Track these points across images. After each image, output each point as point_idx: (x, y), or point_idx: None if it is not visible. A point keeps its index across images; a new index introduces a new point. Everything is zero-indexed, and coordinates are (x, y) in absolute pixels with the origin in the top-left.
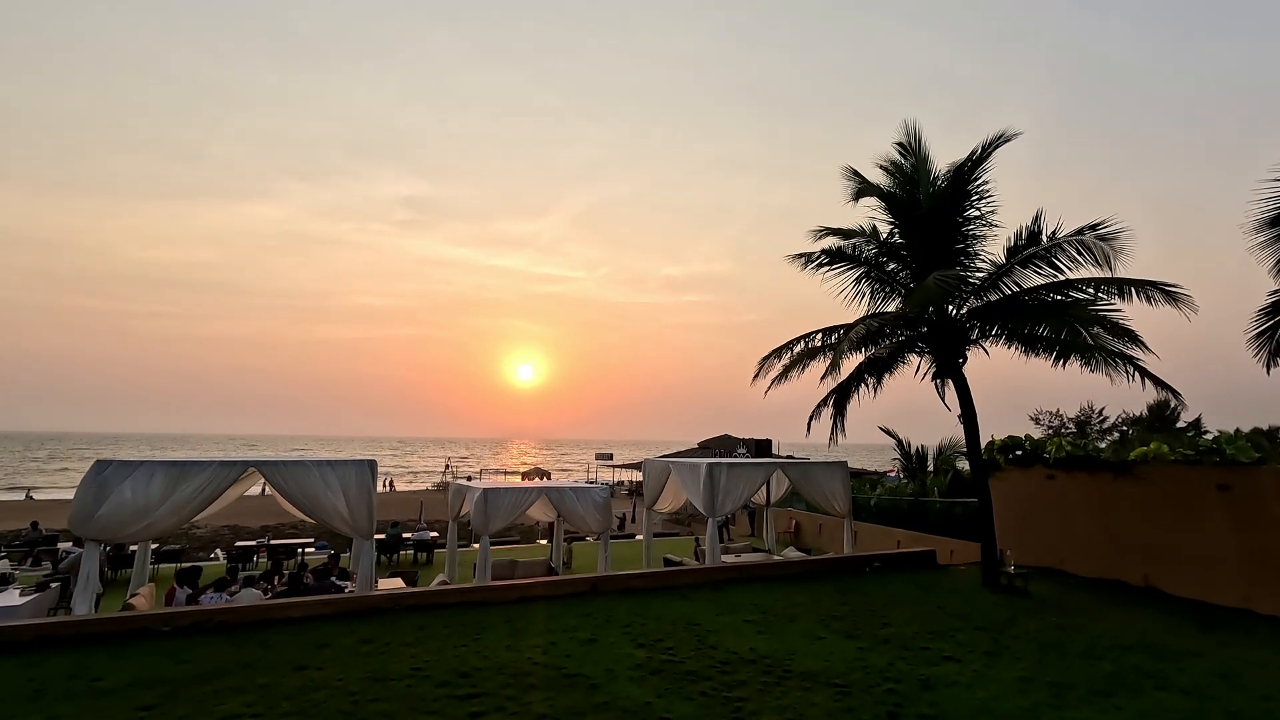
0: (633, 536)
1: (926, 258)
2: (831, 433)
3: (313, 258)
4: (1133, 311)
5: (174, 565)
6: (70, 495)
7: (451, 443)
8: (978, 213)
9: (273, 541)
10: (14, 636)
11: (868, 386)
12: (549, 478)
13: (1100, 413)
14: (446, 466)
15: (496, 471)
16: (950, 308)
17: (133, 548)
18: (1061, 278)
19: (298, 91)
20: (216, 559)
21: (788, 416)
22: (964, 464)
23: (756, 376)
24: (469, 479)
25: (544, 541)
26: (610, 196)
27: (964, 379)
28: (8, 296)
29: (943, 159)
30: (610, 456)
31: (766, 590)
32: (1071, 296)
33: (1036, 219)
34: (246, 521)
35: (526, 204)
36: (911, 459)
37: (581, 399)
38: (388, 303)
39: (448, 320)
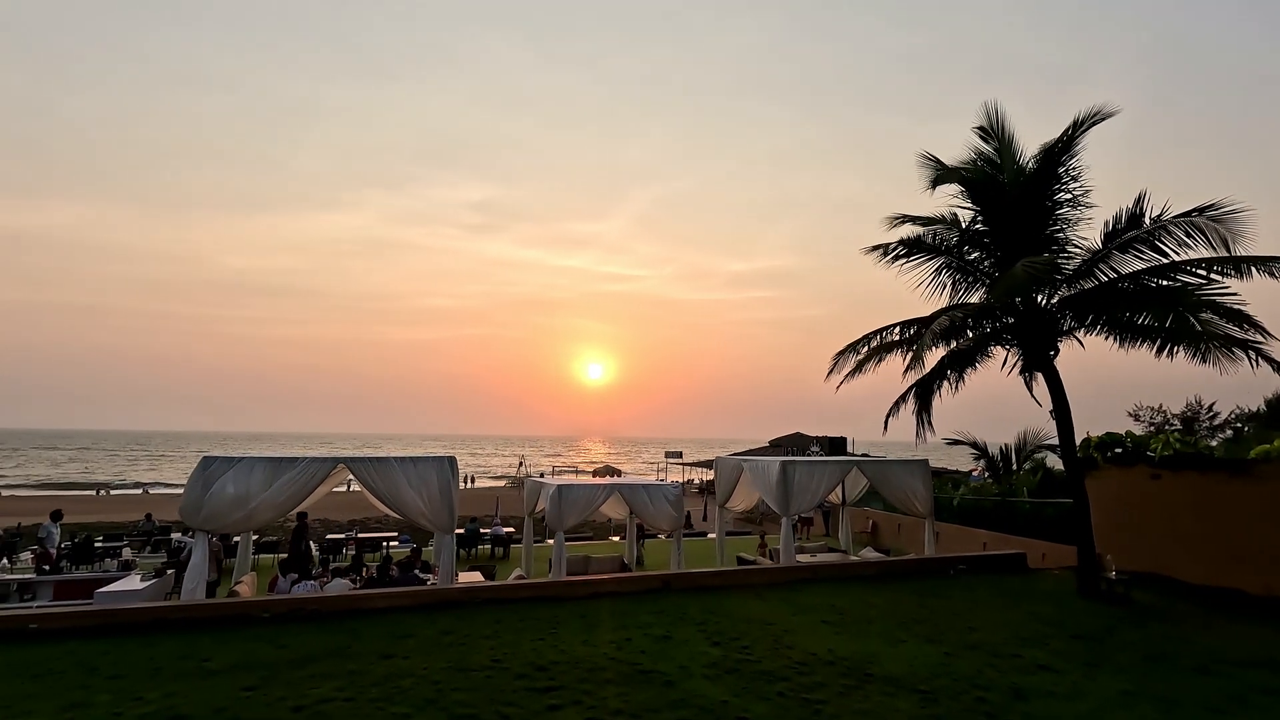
0: (704, 535)
1: (1012, 245)
2: (917, 430)
3: (387, 262)
4: (1254, 294)
5: (272, 555)
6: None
7: (521, 440)
8: (1070, 196)
9: (360, 535)
10: (135, 618)
11: (949, 381)
12: (619, 475)
13: (1210, 408)
14: (520, 464)
15: (566, 469)
16: (1039, 297)
17: (236, 538)
18: (1166, 261)
19: (371, 104)
20: (309, 551)
21: (861, 414)
22: (1055, 462)
23: (830, 373)
24: (541, 476)
25: (616, 539)
26: (673, 194)
27: (1055, 372)
28: (111, 303)
29: (1022, 144)
30: (680, 454)
31: (842, 591)
32: (1179, 281)
33: (1139, 200)
34: (335, 516)
35: (591, 204)
36: (995, 457)
37: (647, 397)
38: (458, 304)
39: (516, 320)
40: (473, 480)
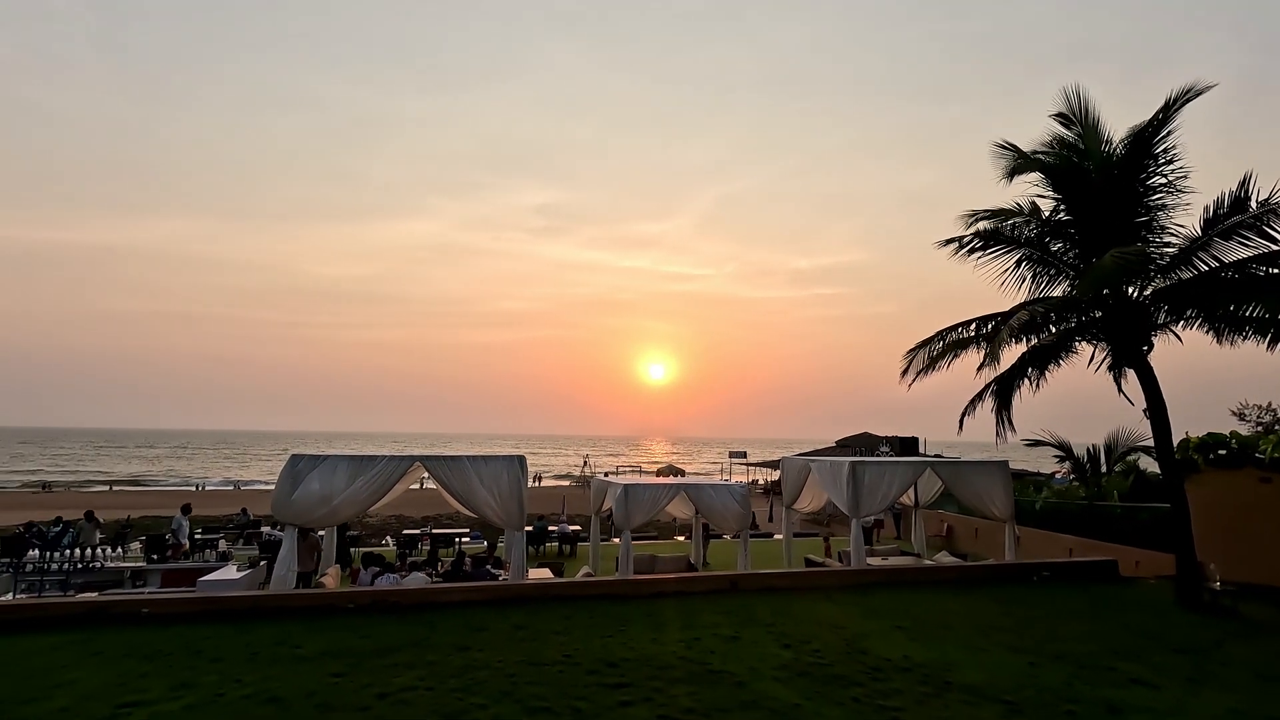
0: (769, 536)
1: (1099, 234)
2: (997, 429)
3: (459, 267)
4: None
5: (353, 549)
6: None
7: (584, 440)
8: (1164, 180)
9: (434, 531)
10: (233, 606)
11: (1030, 379)
12: (682, 475)
13: None
14: (585, 463)
15: (629, 469)
16: (1130, 289)
17: (321, 532)
18: (1277, 248)
19: (441, 115)
20: (387, 545)
21: (932, 413)
22: (1149, 464)
23: (905, 372)
24: (605, 475)
25: (681, 538)
26: (736, 191)
27: (1149, 368)
28: (204, 311)
29: (1108, 129)
30: (744, 454)
31: (917, 596)
32: None
33: (1244, 183)
34: (410, 512)
35: (655, 204)
36: (1082, 459)
37: (709, 396)
38: (526, 306)
39: (582, 321)
40: (539, 479)
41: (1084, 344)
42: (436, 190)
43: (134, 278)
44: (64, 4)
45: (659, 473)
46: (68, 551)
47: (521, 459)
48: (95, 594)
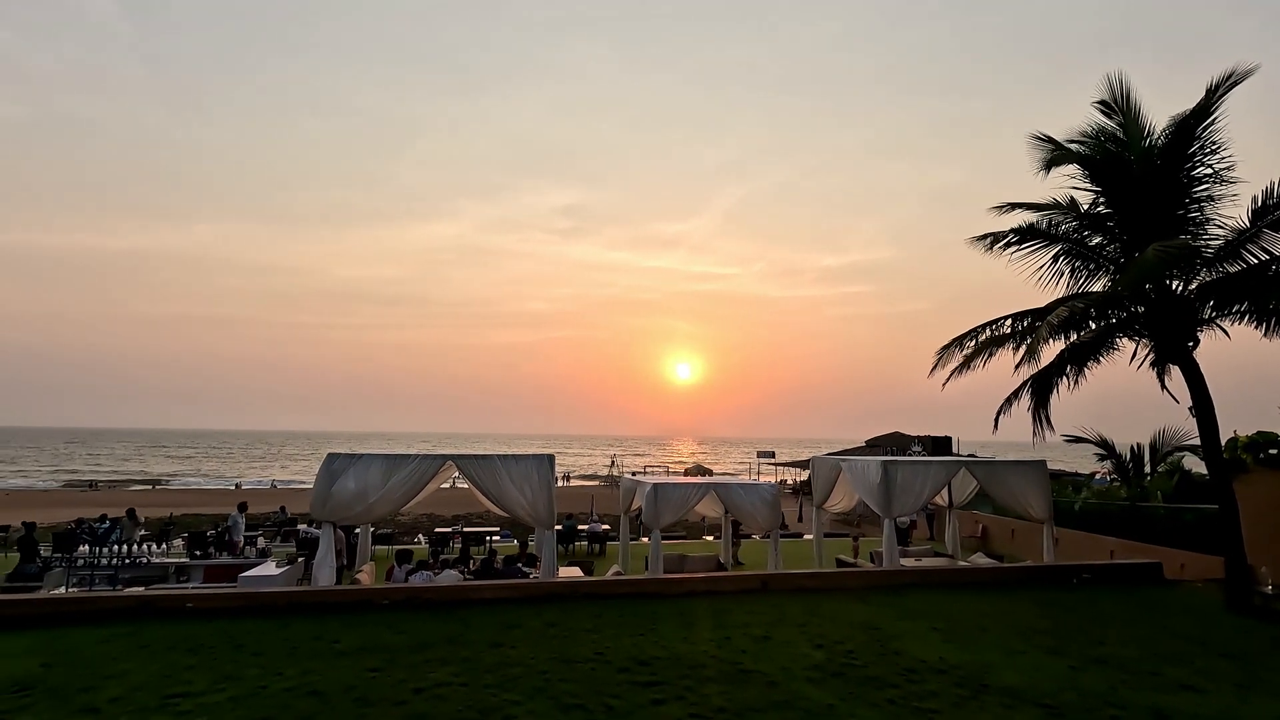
0: (799, 536)
1: (1141, 227)
2: (1034, 428)
3: (483, 268)
4: None
5: (386, 546)
6: (300, 484)
7: (610, 439)
8: (1209, 170)
9: (465, 529)
10: (273, 601)
11: (1068, 377)
12: (709, 475)
13: None
14: (612, 462)
15: (656, 469)
16: (1174, 283)
17: (357, 530)
18: None
19: (464, 117)
20: (420, 543)
21: (966, 412)
22: (1195, 463)
23: (935, 369)
24: (633, 475)
25: (710, 538)
26: (762, 189)
27: (1195, 365)
28: (236, 314)
29: (1150, 118)
30: (772, 454)
31: (952, 597)
32: None
33: None
34: (441, 510)
35: (678, 204)
36: (1124, 458)
37: (736, 396)
38: (550, 307)
39: (606, 321)
40: (568, 478)
41: (1126, 340)
42: (462, 193)
43: (169, 282)
44: (103, 16)
45: (687, 472)
46: (115, 548)
47: (550, 458)
48: (142, 589)
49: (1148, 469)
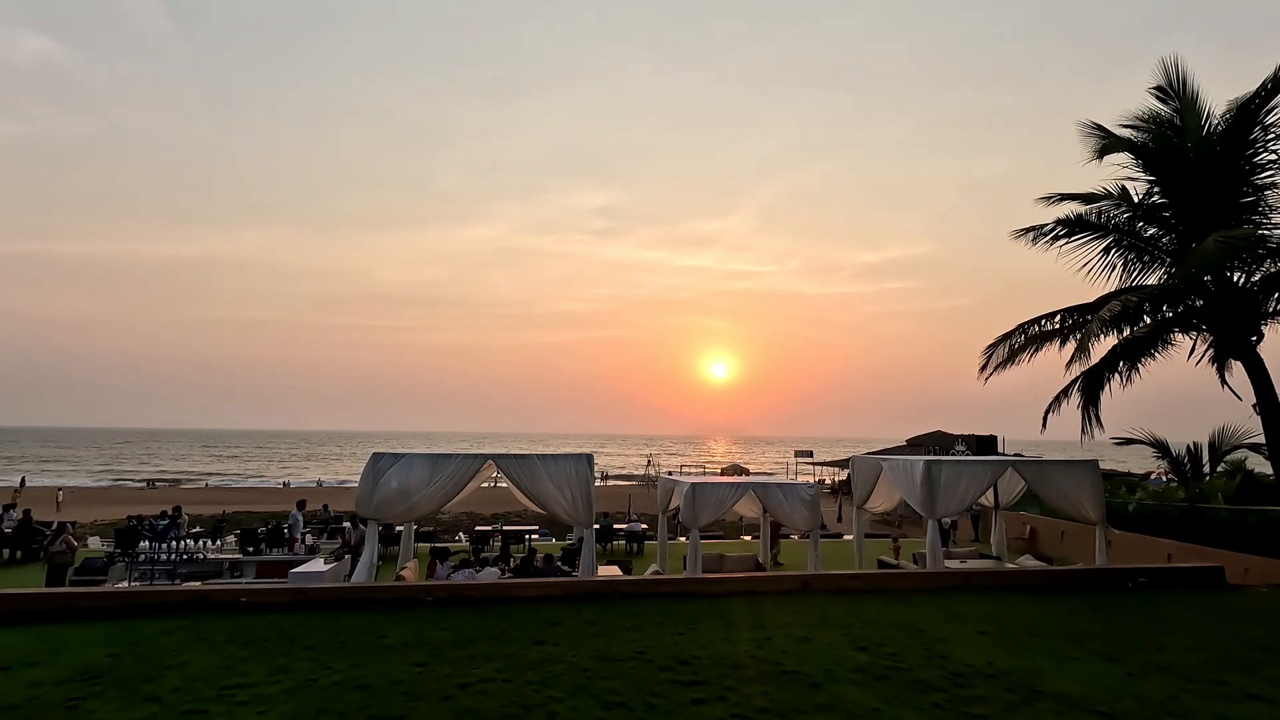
0: (838, 536)
1: (1199, 217)
2: (1083, 426)
3: (521, 270)
4: None
5: (427, 544)
6: (345, 483)
7: (645, 439)
8: (1273, 156)
9: (505, 528)
10: (322, 597)
11: (1120, 373)
12: (746, 474)
13: None
14: (649, 462)
15: (693, 468)
16: (1236, 274)
17: (399, 528)
18: None
19: (502, 121)
20: (460, 541)
21: (1010, 410)
22: (1259, 463)
23: (983, 368)
24: (669, 474)
25: (747, 538)
26: (798, 186)
27: (1259, 360)
28: (282, 318)
29: (1209, 103)
30: (810, 454)
31: (999, 601)
32: None
33: None
34: (480, 509)
35: (714, 202)
36: (1181, 457)
37: (772, 394)
38: (587, 308)
39: (642, 321)
40: (605, 477)
41: (1182, 335)
42: (499, 195)
43: (217, 288)
44: (160, 35)
45: (723, 471)
46: (173, 544)
47: (589, 457)
48: (199, 583)
49: (1206, 469)
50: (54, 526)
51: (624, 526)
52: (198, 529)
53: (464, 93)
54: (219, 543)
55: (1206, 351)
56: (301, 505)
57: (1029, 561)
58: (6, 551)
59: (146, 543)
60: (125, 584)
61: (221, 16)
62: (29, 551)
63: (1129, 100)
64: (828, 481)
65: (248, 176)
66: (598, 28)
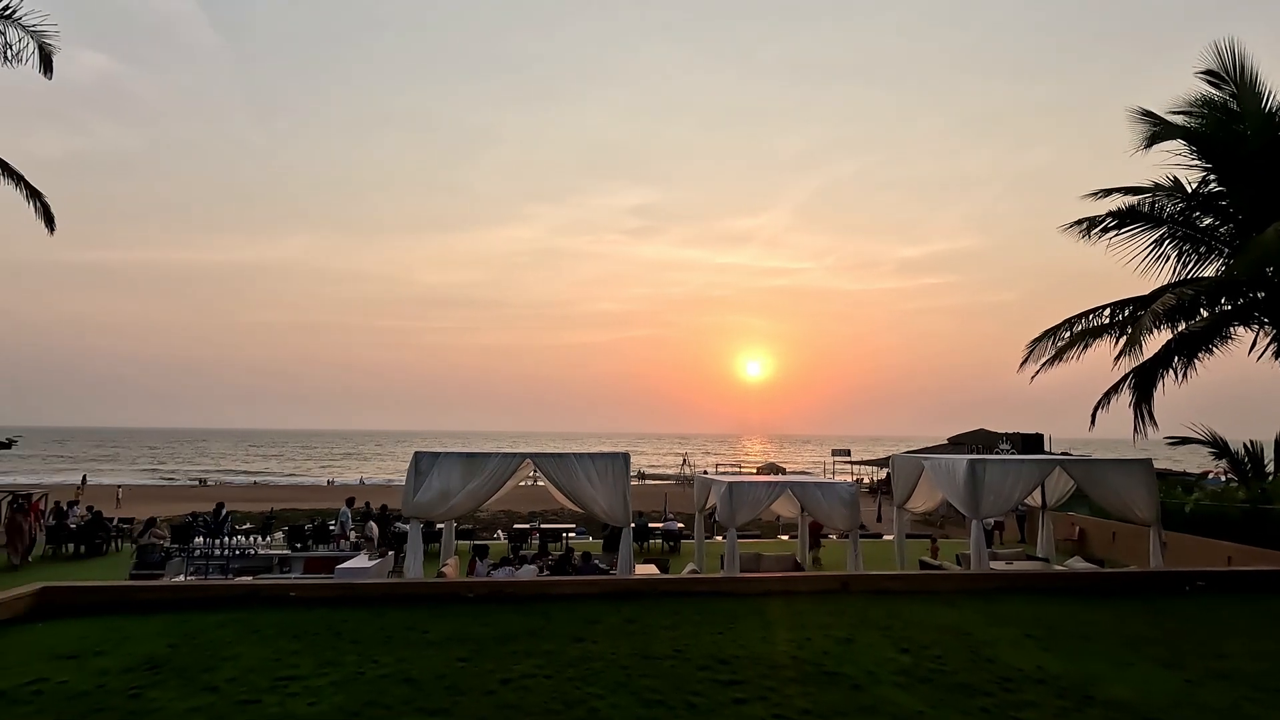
0: (878, 536)
1: (1259, 206)
2: (1135, 424)
3: (557, 270)
4: None
5: (467, 542)
6: (390, 481)
7: (680, 438)
8: None
9: (543, 525)
10: (368, 592)
11: (1174, 369)
12: (783, 473)
13: None
14: (684, 461)
15: (729, 467)
16: None
17: (440, 525)
18: None
19: (537, 124)
20: (499, 539)
21: (1056, 407)
22: None
23: (1025, 362)
24: (705, 473)
25: (785, 537)
26: (835, 181)
27: None
28: (331, 320)
29: (1268, 85)
30: (847, 452)
31: (1048, 603)
32: None
33: None
34: (518, 507)
35: (750, 199)
36: (1241, 457)
37: (809, 392)
38: (623, 307)
39: (679, 320)
40: (642, 476)
41: (1242, 329)
42: (535, 197)
43: (266, 292)
44: (208, 49)
45: (759, 470)
46: (226, 540)
47: (625, 456)
48: (250, 578)
49: (1269, 469)
50: (145, 520)
51: (660, 525)
52: (248, 525)
53: (500, 97)
54: (268, 539)
55: (1269, 346)
56: (350, 503)
57: (1078, 564)
58: (71, 546)
59: (201, 538)
60: (182, 578)
61: (264, 29)
62: (92, 546)
63: (1173, 87)
64: (865, 481)
65: (291, 184)
66: (631, 30)
